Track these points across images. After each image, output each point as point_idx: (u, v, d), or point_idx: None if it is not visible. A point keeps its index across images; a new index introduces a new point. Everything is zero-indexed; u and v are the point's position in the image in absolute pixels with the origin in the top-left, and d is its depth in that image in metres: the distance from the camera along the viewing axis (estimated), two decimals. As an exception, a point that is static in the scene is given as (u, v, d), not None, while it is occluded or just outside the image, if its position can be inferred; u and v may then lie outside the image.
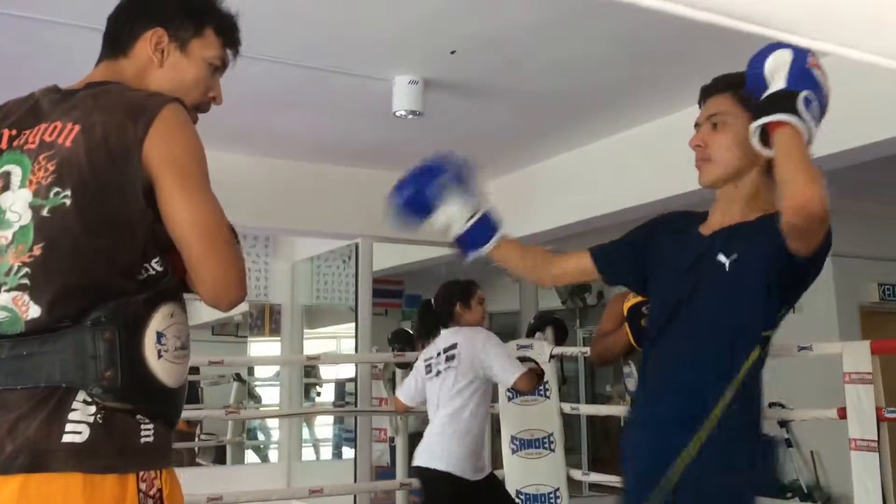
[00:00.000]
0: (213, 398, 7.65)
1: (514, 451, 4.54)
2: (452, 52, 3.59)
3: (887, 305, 6.40)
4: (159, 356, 1.28)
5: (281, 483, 6.41)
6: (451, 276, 3.91)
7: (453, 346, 3.55)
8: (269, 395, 7.96)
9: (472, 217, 1.83)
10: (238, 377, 7.45)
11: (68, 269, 1.27)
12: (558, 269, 1.88)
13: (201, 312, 8.06)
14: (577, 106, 4.25)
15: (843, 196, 5.69)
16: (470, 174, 1.85)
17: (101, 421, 1.24)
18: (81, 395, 1.24)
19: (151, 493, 1.27)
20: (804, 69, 1.46)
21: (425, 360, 3.66)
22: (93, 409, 1.24)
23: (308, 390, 8.00)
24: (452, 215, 1.83)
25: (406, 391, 3.82)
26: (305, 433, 7.83)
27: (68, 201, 1.26)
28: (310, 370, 8.00)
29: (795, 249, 1.49)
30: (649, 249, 1.74)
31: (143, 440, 1.28)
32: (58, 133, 1.30)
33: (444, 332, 3.67)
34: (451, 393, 3.49)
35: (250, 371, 7.93)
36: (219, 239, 1.30)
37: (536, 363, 3.92)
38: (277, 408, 7.36)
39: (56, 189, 1.27)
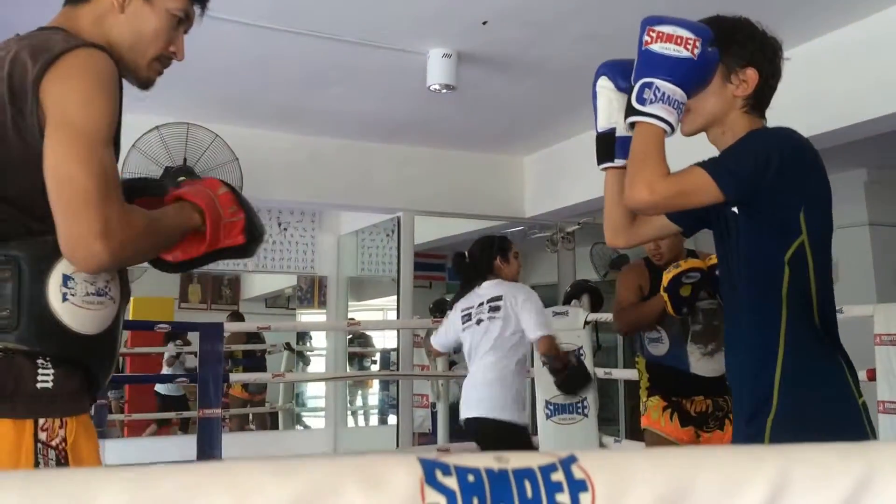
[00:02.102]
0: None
1: (548, 416, 4.66)
2: (484, 23, 3.62)
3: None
4: (64, 299, 1.24)
5: (327, 448, 6.67)
6: None
7: (498, 298, 3.64)
8: (320, 365, 8.23)
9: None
10: (288, 346, 7.71)
11: None
12: (642, 226, 1.81)
13: (254, 286, 8.39)
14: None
15: (883, 165, 5.65)
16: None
17: None
18: None
19: (53, 443, 1.22)
20: (641, 53, 1.55)
21: (463, 311, 3.73)
22: None
23: (362, 359, 8.25)
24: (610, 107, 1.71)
25: (439, 339, 3.92)
26: (359, 401, 8.09)
27: None
28: (362, 340, 8.24)
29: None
30: None
31: (39, 385, 1.23)
32: None
33: (486, 284, 3.73)
34: (494, 342, 3.59)
35: (300, 341, 8.19)
36: (76, 189, 1.19)
37: (568, 354, 3.91)
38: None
39: None
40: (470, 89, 4.23)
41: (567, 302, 5.03)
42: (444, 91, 4.01)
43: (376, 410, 8.61)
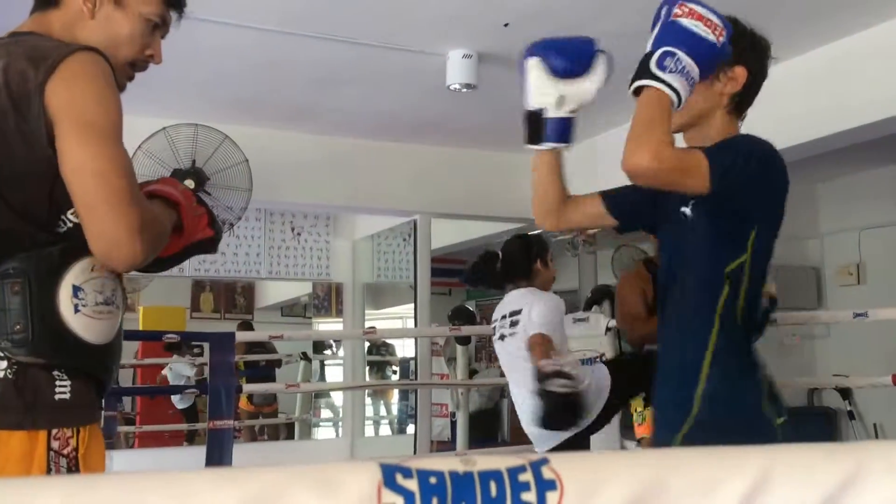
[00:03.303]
0: (281, 377, 7.81)
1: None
2: (506, 25, 3.58)
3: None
4: (76, 310, 1.24)
5: (345, 457, 6.52)
6: None
7: (518, 312, 3.26)
8: (338, 374, 8.10)
9: (575, 109, 1.66)
10: (304, 356, 7.59)
11: None
12: (574, 212, 1.78)
13: (268, 294, 8.29)
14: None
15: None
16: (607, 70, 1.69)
17: (11, 376, 1.21)
18: None
19: (65, 451, 1.23)
20: (668, 23, 1.50)
21: (495, 322, 3.40)
22: (4, 363, 1.22)
23: (384, 368, 8.12)
24: (571, 94, 1.64)
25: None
26: (369, 410, 7.96)
27: None
28: (383, 349, 8.12)
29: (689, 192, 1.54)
30: (658, 197, 1.68)
31: (57, 396, 1.24)
32: None
33: (514, 293, 3.35)
34: (515, 363, 3.25)
35: (316, 350, 8.07)
36: (111, 187, 1.20)
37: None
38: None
39: None
40: (490, 88, 4.13)
41: (588, 308, 4.87)
42: (465, 90, 3.96)
43: (395, 420, 8.48)
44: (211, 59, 3.96)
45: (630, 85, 1.51)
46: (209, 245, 1.46)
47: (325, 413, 8.14)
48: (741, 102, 1.64)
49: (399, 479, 0.51)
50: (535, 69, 1.64)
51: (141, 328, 6.40)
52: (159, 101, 4.53)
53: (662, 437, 1.60)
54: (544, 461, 0.54)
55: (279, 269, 6.74)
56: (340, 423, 7.31)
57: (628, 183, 1.58)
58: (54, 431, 1.22)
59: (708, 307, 1.54)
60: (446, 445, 6.79)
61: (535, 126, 1.67)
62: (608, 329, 4.53)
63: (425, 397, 5.47)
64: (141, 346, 6.56)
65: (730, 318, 1.54)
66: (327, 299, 7.64)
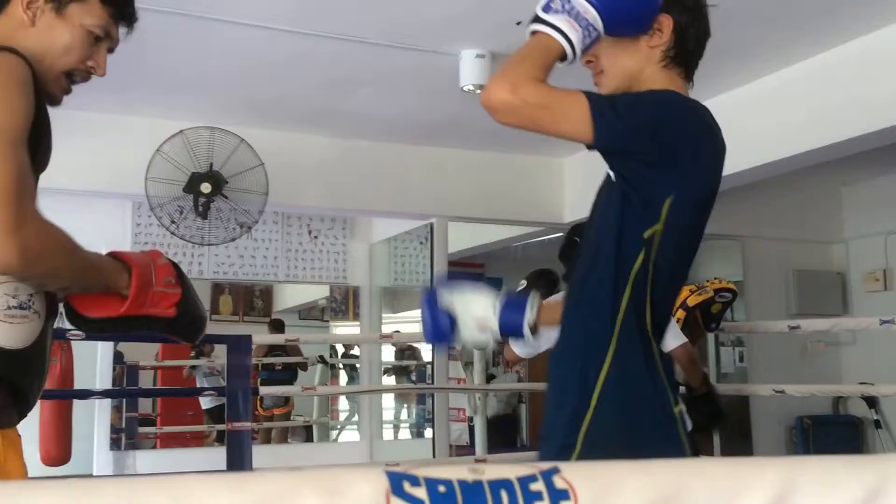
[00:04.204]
0: (300, 381, 7.82)
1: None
2: (518, 23, 3.55)
3: None
4: None
5: (363, 460, 6.52)
6: (527, 258, 3.74)
7: None
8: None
9: (495, 305, 1.52)
10: (322, 359, 7.59)
11: None
12: None
13: (286, 298, 8.30)
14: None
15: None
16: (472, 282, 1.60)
17: None
18: None
19: None
20: None
21: None
22: None
23: (409, 373, 8.11)
24: (475, 317, 1.52)
25: (523, 344, 3.38)
26: (388, 415, 7.95)
27: None
28: (408, 353, 8.11)
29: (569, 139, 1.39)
30: None
31: None
32: None
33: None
34: None
35: (333, 355, 8.08)
36: None
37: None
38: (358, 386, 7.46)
39: None
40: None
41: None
42: (478, 91, 3.91)
43: (413, 423, 8.46)
44: (225, 59, 3.97)
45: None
46: (171, 327, 1.42)
47: (344, 416, 8.13)
48: (677, 55, 1.46)
49: (407, 486, 0.49)
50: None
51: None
52: (176, 105, 4.55)
53: (557, 420, 1.43)
54: (555, 470, 0.52)
55: (296, 272, 6.75)
56: (356, 427, 7.30)
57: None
58: None
59: (613, 278, 1.37)
60: (465, 450, 6.76)
61: (509, 336, 1.56)
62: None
63: (442, 402, 5.45)
64: (161, 347, 6.59)
65: (638, 295, 1.37)
66: (344, 303, 7.62)
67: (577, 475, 0.52)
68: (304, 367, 7.42)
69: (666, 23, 1.45)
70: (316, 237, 6.74)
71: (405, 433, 8.23)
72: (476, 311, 1.51)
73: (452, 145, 5.42)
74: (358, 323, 7.23)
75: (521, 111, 1.33)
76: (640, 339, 1.38)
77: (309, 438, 7.70)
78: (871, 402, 5.55)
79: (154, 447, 6.76)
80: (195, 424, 6.89)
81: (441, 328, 1.54)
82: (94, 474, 5.68)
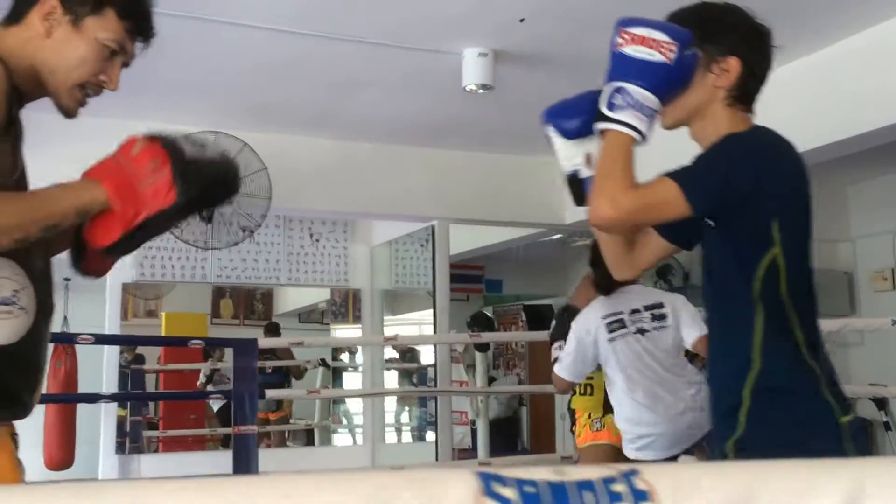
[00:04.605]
0: (300, 384, 7.83)
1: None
2: (521, 20, 3.53)
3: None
4: None
5: (365, 463, 6.52)
6: (527, 260, 3.78)
7: (661, 305, 3.16)
8: (356, 381, 8.10)
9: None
10: (323, 362, 7.60)
11: None
12: (642, 255, 1.76)
13: (288, 301, 8.30)
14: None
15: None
16: None
17: None
18: None
19: None
20: (613, 56, 1.48)
21: (611, 318, 3.16)
22: None
23: (411, 375, 8.12)
24: (595, 150, 1.62)
25: (572, 367, 3.18)
26: (389, 417, 7.95)
27: None
28: (408, 355, 8.12)
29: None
30: None
31: None
32: None
33: (636, 286, 3.24)
34: (670, 353, 3.13)
35: (335, 357, 8.08)
36: None
37: None
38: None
39: None
40: (507, 88, 4.10)
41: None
42: (481, 91, 3.90)
43: (415, 426, 8.47)
44: (226, 62, 3.97)
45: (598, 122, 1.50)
46: (177, 214, 1.34)
47: (345, 420, 8.15)
48: (742, 94, 1.56)
49: (496, 487, 0.51)
50: (553, 137, 1.64)
51: (164, 333, 6.44)
52: (179, 109, 4.55)
53: (716, 443, 1.56)
54: (635, 472, 0.54)
55: (298, 275, 6.76)
56: (359, 430, 7.31)
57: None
58: None
59: (746, 309, 1.49)
60: (467, 453, 6.76)
61: (576, 188, 1.66)
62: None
63: (445, 405, 5.45)
64: (164, 351, 6.60)
65: (775, 315, 1.48)
66: (344, 305, 7.64)
67: (657, 476, 0.53)
68: (298, 373, 7.38)
69: (734, 64, 1.53)
70: (317, 240, 6.76)
71: (407, 436, 8.25)
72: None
73: (454, 147, 5.42)
74: (358, 325, 7.25)
75: (627, 221, 1.48)
76: (789, 355, 1.48)
77: (309, 442, 7.70)
78: (881, 403, 5.56)
79: (157, 451, 6.76)
80: (197, 428, 6.89)
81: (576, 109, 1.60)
82: (100, 478, 5.67)
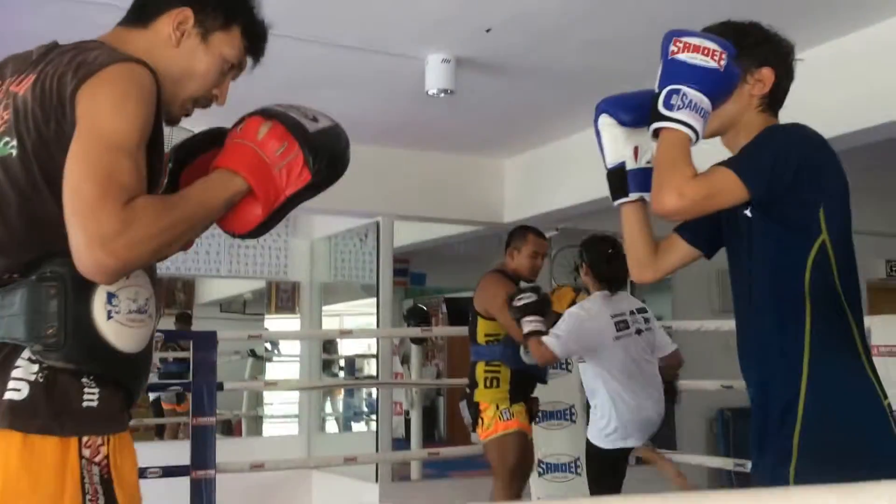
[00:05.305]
0: (225, 374, 7.74)
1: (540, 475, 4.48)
2: (488, 31, 3.63)
3: (894, 282, 6.48)
4: (109, 317, 1.22)
5: (301, 454, 6.58)
6: (451, 254, 3.90)
7: (645, 310, 3.55)
8: (279, 371, 8.09)
9: (650, 159, 1.72)
10: (252, 353, 7.57)
11: (15, 221, 1.24)
12: (664, 259, 1.82)
13: (211, 290, 8.20)
14: (610, 83, 4.31)
15: (851, 172, 5.78)
16: None
17: (41, 380, 1.21)
18: (26, 353, 1.21)
19: (97, 459, 1.22)
20: (667, 62, 1.59)
21: (617, 317, 3.42)
22: (35, 367, 1.21)
23: (329, 366, 8.14)
24: (644, 143, 1.72)
25: (566, 346, 3.33)
26: (327, 407, 7.99)
27: (15, 151, 1.24)
28: (329, 347, 8.14)
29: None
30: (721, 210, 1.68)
31: (85, 404, 1.23)
32: (19, 83, 1.27)
33: (622, 294, 3.53)
34: (650, 356, 3.47)
35: (274, 348, 8.07)
36: (79, 202, 1.16)
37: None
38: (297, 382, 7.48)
39: (6, 139, 1.25)
40: (466, 93, 4.22)
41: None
42: (443, 95, 4.00)
43: (341, 418, 8.52)
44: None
45: (649, 129, 1.61)
46: (314, 188, 1.36)
47: (276, 410, 8.10)
48: (772, 102, 1.69)
49: None
50: (607, 126, 1.74)
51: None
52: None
53: (770, 464, 1.58)
54: None
55: (238, 267, 6.74)
56: (292, 420, 7.32)
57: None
58: (85, 439, 1.21)
59: (798, 299, 1.55)
60: (399, 443, 6.88)
61: (619, 181, 1.75)
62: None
63: (386, 396, 5.57)
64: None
65: (826, 304, 1.54)
66: (267, 296, 7.64)
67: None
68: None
69: (767, 75, 1.66)
70: (257, 233, 6.73)
71: (332, 426, 8.30)
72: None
73: (406, 146, 5.50)
74: (285, 315, 7.28)
75: (694, 209, 1.56)
76: (841, 343, 1.56)
77: (226, 432, 7.59)
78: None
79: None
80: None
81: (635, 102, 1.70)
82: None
